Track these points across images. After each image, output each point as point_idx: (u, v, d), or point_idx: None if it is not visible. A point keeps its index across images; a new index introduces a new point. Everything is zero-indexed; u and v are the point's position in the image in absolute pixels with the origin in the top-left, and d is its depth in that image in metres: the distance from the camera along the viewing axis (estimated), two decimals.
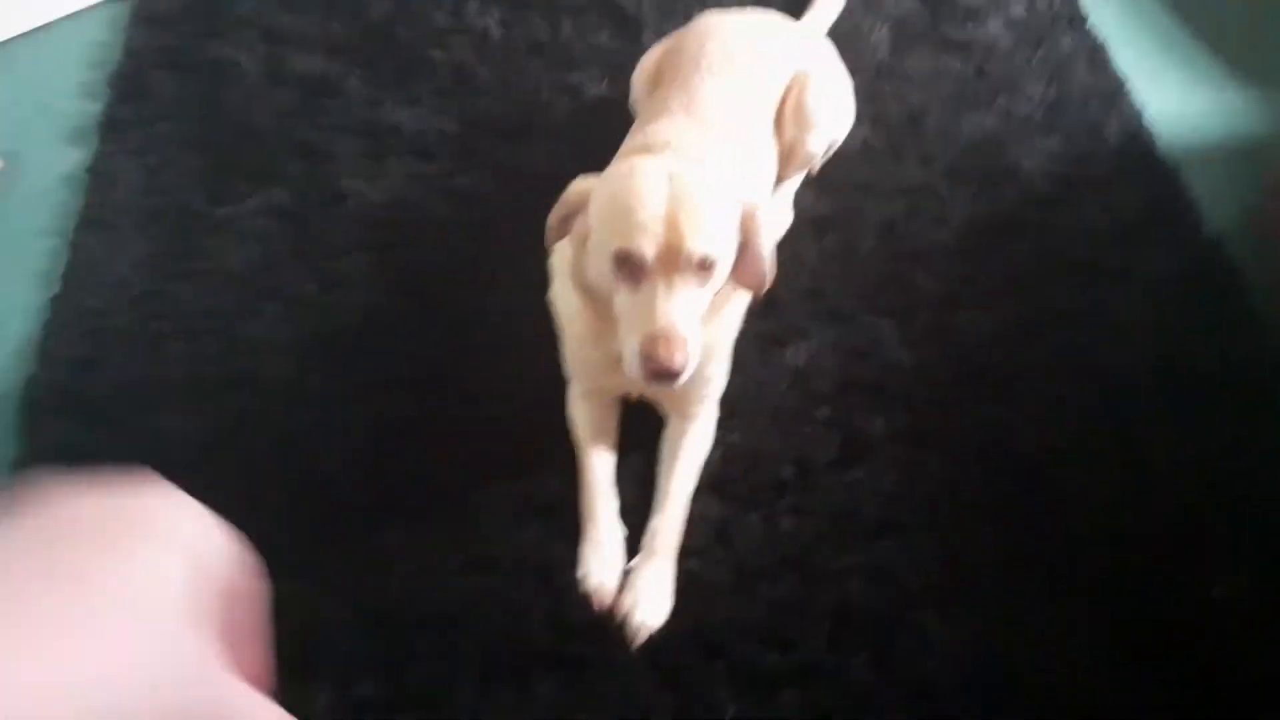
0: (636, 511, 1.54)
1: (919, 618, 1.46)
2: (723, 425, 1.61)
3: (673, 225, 1.23)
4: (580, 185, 1.36)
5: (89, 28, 2.26)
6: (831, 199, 1.91)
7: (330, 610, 1.49)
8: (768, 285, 1.39)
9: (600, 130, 1.86)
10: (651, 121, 1.60)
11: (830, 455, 1.60)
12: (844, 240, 1.86)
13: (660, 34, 2.18)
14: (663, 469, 1.55)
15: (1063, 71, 2.17)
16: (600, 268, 1.30)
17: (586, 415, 1.58)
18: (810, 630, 1.45)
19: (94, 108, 2.10)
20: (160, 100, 2.09)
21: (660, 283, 1.24)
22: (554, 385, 1.61)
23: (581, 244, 1.35)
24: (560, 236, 1.39)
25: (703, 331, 1.34)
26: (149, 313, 1.78)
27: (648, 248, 1.23)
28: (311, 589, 1.50)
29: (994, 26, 2.26)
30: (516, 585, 1.51)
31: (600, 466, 1.54)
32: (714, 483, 1.57)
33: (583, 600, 1.44)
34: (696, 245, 1.24)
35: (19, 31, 2.24)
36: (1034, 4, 2.31)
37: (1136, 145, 2.04)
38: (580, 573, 1.45)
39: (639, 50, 2.14)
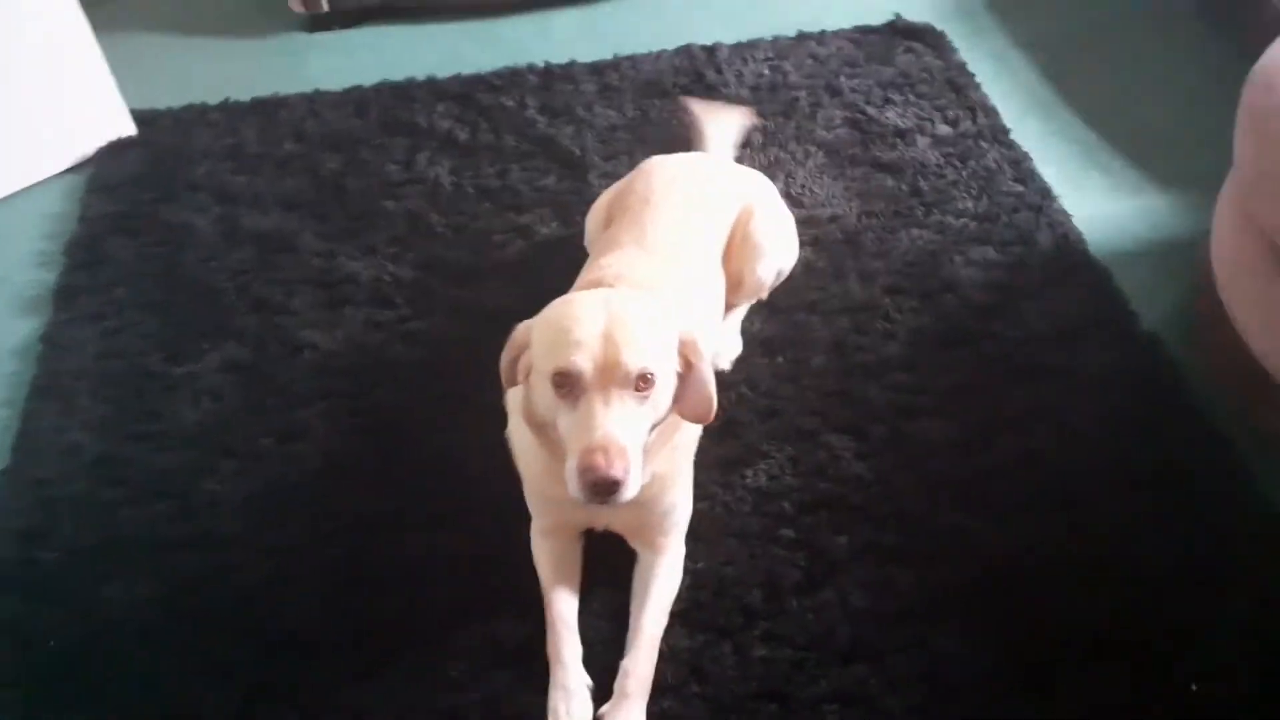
0: (610, 647, 1.51)
1: None
2: (689, 554, 1.60)
3: (609, 341, 1.27)
4: (523, 325, 1.39)
5: (45, 200, 2.31)
6: (780, 320, 1.96)
7: None
8: (713, 414, 1.41)
9: (551, 268, 1.92)
10: (604, 255, 1.65)
11: (797, 577, 1.59)
12: (795, 359, 1.89)
13: (605, 174, 2.28)
14: (634, 605, 1.53)
15: (991, 184, 2.27)
16: (543, 394, 1.32)
17: (549, 554, 1.57)
18: None
19: (49, 276, 2.12)
20: (116, 265, 2.12)
21: (598, 397, 1.27)
22: (518, 522, 1.60)
23: (527, 379, 1.38)
24: (511, 379, 1.41)
25: (656, 460, 1.34)
26: (101, 478, 1.76)
27: (584, 362, 1.26)
28: None
29: (922, 145, 2.37)
30: None
31: (564, 606, 1.52)
32: (684, 612, 1.54)
33: None
34: (633, 359, 1.27)
35: None
36: (958, 123, 2.43)
37: (1067, 249, 2.12)
38: None
39: (586, 189, 2.23)
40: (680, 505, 1.54)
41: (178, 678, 1.53)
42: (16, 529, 1.70)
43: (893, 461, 1.73)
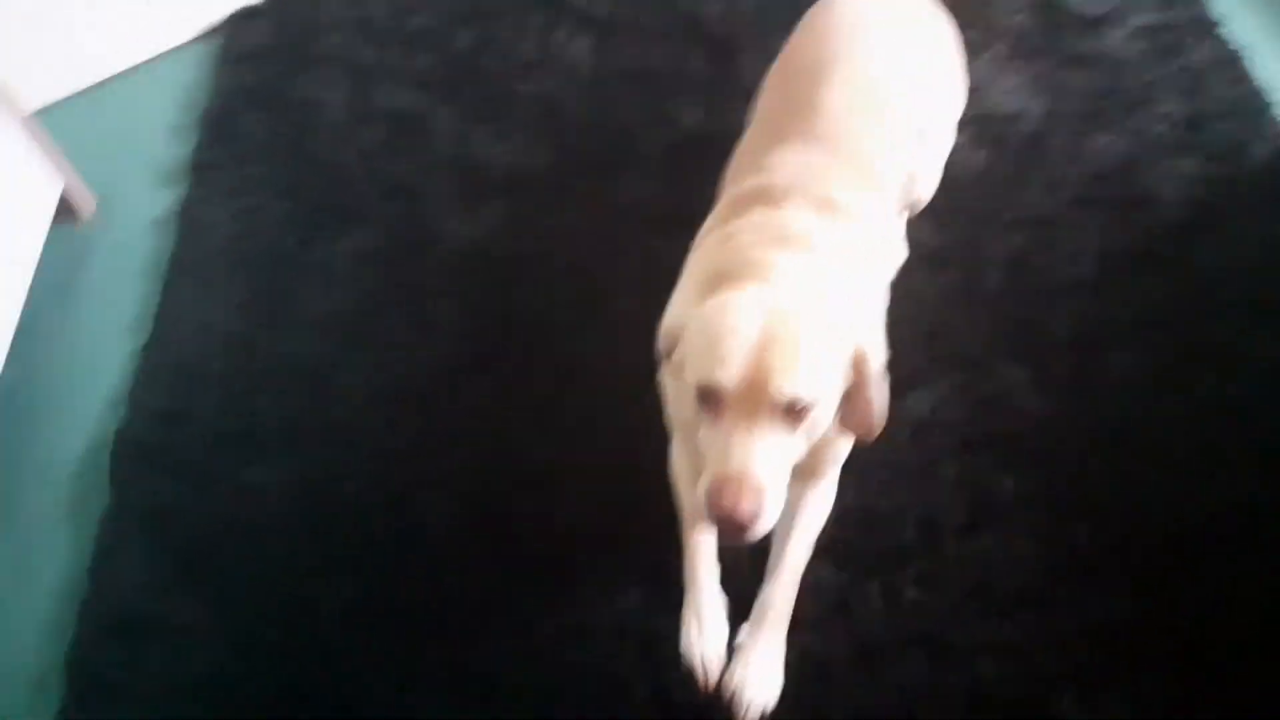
0: (750, 576, 1.42)
1: (1060, 704, 1.32)
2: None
3: (760, 361, 1.11)
4: (678, 314, 1.26)
5: (178, 69, 2.25)
6: (949, 231, 1.77)
7: (423, 677, 1.42)
8: (877, 432, 1.25)
9: (696, 161, 1.76)
10: (769, 148, 1.46)
11: (957, 518, 1.47)
12: (965, 277, 1.71)
13: (756, 57, 2.08)
14: (779, 532, 1.42)
15: (1198, 85, 1.99)
16: (689, 401, 1.19)
17: (689, 472, 1.46)
18: (940, 717, 1.32)
19: (184, 149, 2.08)
20: (249, 141, 2.07)
21: (741, 422, 1.12)
22: (655, 436, 1.51)
23: (678, 376, 1.24)
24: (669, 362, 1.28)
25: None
26: (238, 362, 1.74)
27: (728, 382, 1.11)
28: (404, 653, 1.44)
29: (1119, 37, 2.08)
30: (617, 657, 1.41)
31: (703, 530, 1.43)
32: (830, 545, 1.44)
33: (687, 677, 1.33)
34: (784, 386, 1.10)
35: (109, 74, 2.24)
36: (1163, 11, 2.13)
37: None
38: (683, 645, 1.35)
39: (735, 75, 2.05)
40: (842, 438, 1.41)
41: (307, 564, 1.54)
42: (159, 407, 1.71)
43: (1072, 398, 1.57)
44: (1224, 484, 1.47)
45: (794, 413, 1.12)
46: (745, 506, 1.10)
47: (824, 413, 1.17)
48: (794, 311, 1.15)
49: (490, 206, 1.91)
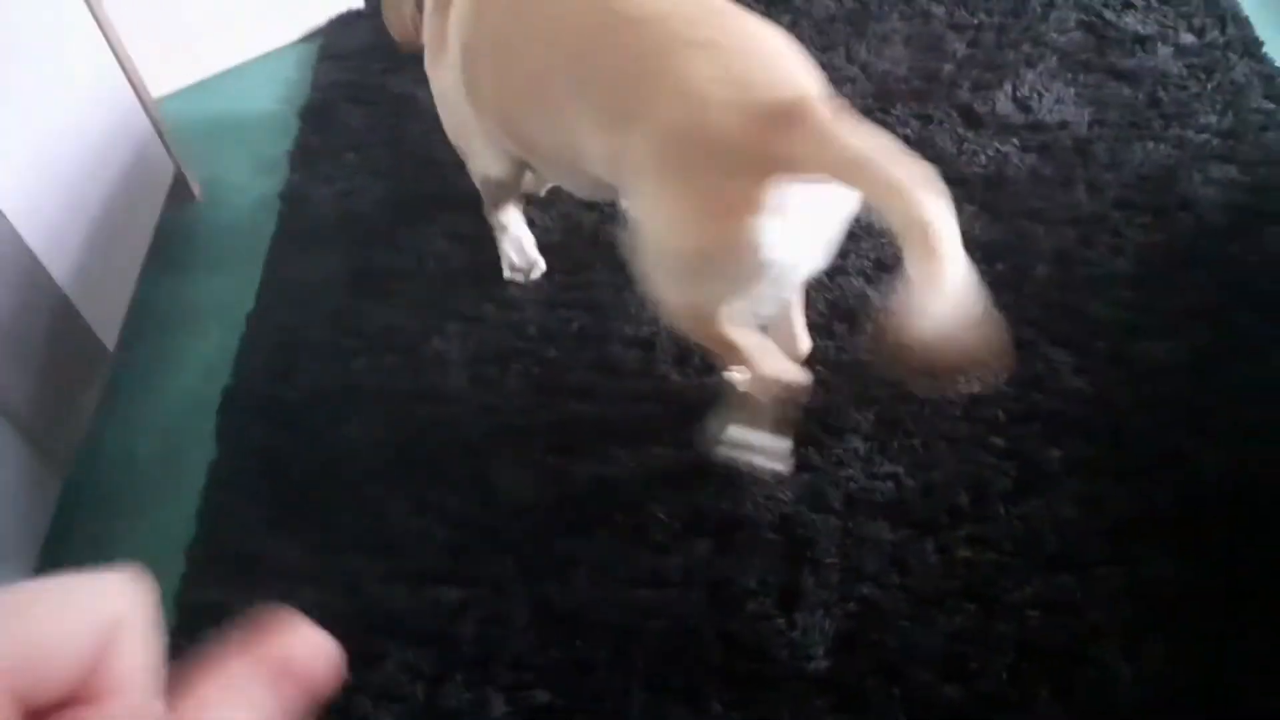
0: None
1: (1103, 652, 1.42)
2: (892, 452, 1.61)
3: None
4: None
5: (280, 66, 2.44)
6: (1001, 226, 1.90)
7: (508, 615, 1.54)
8: None
9: None
10: None
11: (1006, 484, 1.58)
12: (1016, 267, 1.84)
13: (820, 66, 2.23)
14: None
15: (1238, 99, 2.11)
16: None
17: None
18: (990, 663, 1.43)
19: (286, 139, 2.25)
20: (347, 132, 2.23)
21: None
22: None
23: None
24: None
25: None
26: (339, 328, 1.89)
27: None
28: (490, 594, 1.56)
29: (1164, 54, 2.21)
30: (687, 600, 1.53)
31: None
32: (888, 504, 1.56)
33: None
34: None
35: (218, 70, 2.43)
36: (1205, 32, 2.25)
37: None
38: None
39: None
40: None
41: (399, 515, 1.66)
42: (264, 368, 1.85)
43: (1114, 379, 1.68)
44: (1258, 455, 1.58)
45: None
46: None
47: None
48: None
49: (565, 196, 2.05)
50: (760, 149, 1.12)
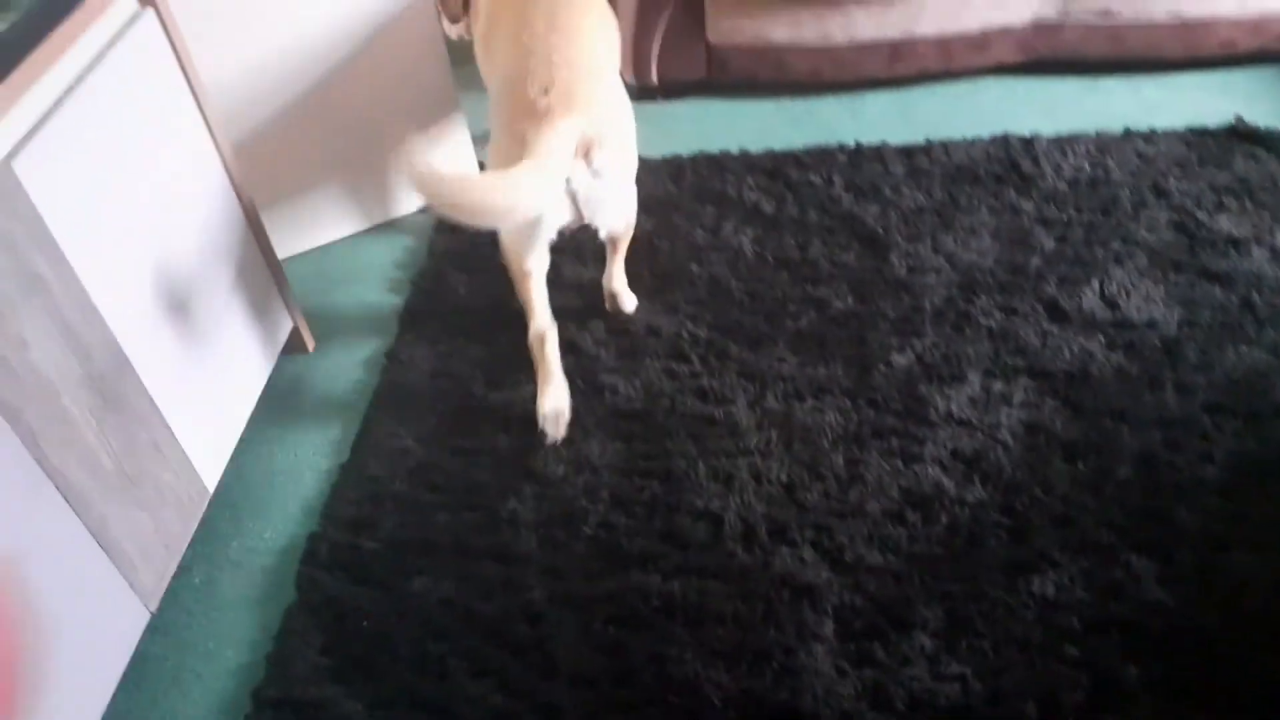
0: None
1: None
2: (960, 652, 1.56)
3: None
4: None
5: (399, 234, 2.65)
6: (1084, 423, 1.87)
7: None
8: None
9: (841, 340, 1.97)
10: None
11: (1079, 699, 1.50)
12: (1098, 468, 1.80)
13: (907, 254, 2.30)
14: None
15: None
16: None
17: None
18: None
19: (398, 300, 2.42)
20: (454, 296, 2.39)
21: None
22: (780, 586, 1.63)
23: None
24: None
25: None
26: (422, 482, 1.97)
27: None
28: None
29: (1259, 257, 2.20)
30: None
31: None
32: (952, 711, 1.50)
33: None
34: None
35: (345, 234, 2.66)
36: None
37: None
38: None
39: (886, 268, 2.26)
40: None
41: (459, 676, 1.67)
42: (349, 518, 1.94)
43: (1200, 593, 1.60)
44: None
45: None
46: None
47: None
48: None
49: (653, 367, 2.13)
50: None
